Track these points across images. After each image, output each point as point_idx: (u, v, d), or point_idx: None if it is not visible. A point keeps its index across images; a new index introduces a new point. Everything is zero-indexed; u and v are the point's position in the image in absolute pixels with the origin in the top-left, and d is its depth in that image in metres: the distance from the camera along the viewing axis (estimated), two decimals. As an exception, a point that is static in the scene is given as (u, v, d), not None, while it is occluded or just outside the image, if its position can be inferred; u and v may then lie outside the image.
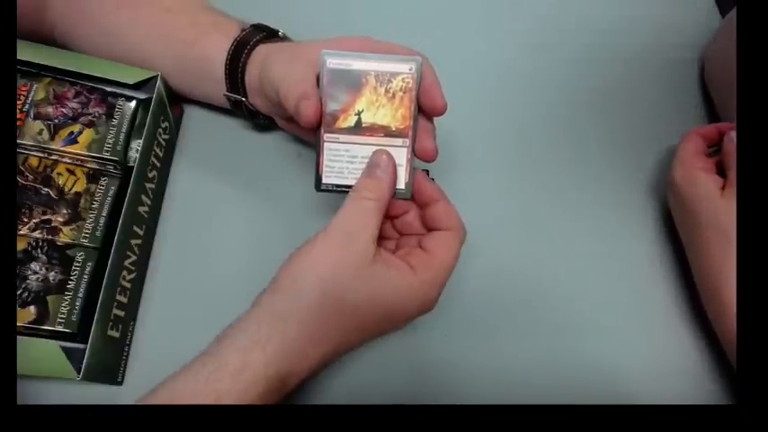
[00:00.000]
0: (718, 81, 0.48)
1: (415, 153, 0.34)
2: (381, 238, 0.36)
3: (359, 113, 0.33)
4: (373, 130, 0.33)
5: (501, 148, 0.47)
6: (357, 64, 0.32)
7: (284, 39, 0.40)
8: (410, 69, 0.32)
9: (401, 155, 0.33)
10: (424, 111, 0.34)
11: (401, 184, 0.34)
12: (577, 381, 0.40)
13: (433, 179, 0.35)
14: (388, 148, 0.33)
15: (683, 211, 0.40)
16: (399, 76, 0.32)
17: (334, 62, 0.32)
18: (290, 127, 0.41)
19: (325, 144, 0.33)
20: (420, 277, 0.31)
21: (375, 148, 0.33)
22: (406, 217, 0.35)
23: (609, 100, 0.50)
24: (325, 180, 0.34)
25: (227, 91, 0.40)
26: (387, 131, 0.33)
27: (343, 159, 0.34)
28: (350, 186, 0.33)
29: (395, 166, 0.33)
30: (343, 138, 0.33)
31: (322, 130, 0.33)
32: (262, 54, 0.37)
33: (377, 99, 0.33)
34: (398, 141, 0.33)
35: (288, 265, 0.31)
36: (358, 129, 0.33)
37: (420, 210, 0.35)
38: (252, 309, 0.31)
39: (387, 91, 0.32)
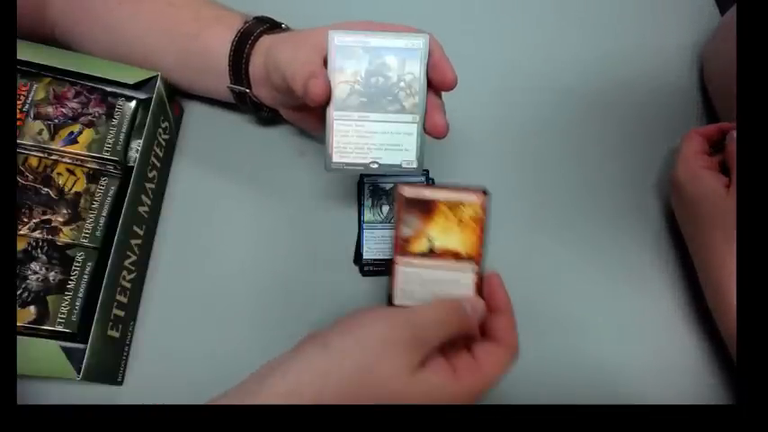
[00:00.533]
0: (716, 80, 0.48)
1: (425, 129, 0.33)
2: None
3: (430, 239, 0.33)
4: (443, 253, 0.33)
5: (501, 148, 0.47)
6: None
7: (287, 30, 0.41)
8: (477, 198, 0.32)
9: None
10: (434, 85, 0.34)
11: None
12: (578, 380, 0.40)
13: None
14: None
15: (687, 209, 0.40)
16: (469, 206, 0.32)
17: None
18: (295, 117, 0.41)
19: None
20: (461, 384, 0.29)
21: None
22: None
23: (609, 100, 0.50)
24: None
25: (231, 83, 0.40)
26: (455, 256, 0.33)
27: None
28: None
29: (481, 317, 0.32)
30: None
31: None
32: (266, 44, 0.37)
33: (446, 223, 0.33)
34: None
35: (348, 320, 0.30)
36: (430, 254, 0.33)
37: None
38: (295, 354, 0.30)
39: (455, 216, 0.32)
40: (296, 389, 0.28)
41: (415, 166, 0.33)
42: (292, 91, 0.34)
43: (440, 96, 0.35)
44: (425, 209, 0.32)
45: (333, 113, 0.33)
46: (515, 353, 0.32)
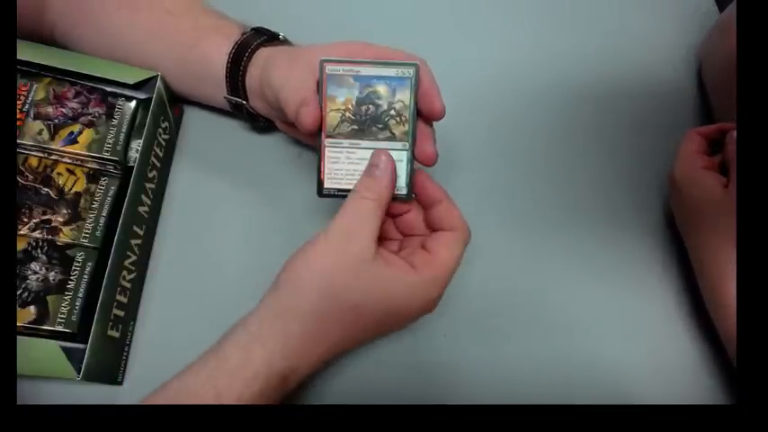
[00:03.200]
0: (713, 78, 0.48)
1: (415, 157, 0.34)
2: (384, 240, 0.36)
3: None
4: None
5: (500, 149, 0.47)
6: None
7: (285, 42, 0.40)
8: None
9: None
10: (423, 115, 0.34)
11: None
12: (577, 381, 0.40)
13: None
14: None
15: (685, 209, 0.40)
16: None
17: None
18: (291, 130, 0.41)
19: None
20: (421, 276, 0.31)
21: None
22: (408, 217, 0.35)
23: (607, 98, 0.50)
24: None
25: (228, 93, 0.40)
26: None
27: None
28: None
29: (394, 166, 0.33)
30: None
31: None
32: (263, 57, 0.37)
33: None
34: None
35: (289, 264, 0.31)
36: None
37: (424, 211, 0.35)
38: (256, 307, 0.32)
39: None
40: (259, 336, 0.30)
41: (404, 193, 0.34)
42: (285, 111, 0.34)
43: (431, 125, 0.35)
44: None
45: (324, 140, 0.34)
46: (466, 234, 0.34)
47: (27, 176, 0.37)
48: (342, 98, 0.33)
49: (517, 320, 0.41)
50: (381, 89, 0.33)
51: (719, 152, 0.40)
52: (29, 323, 0.33)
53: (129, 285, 0.37)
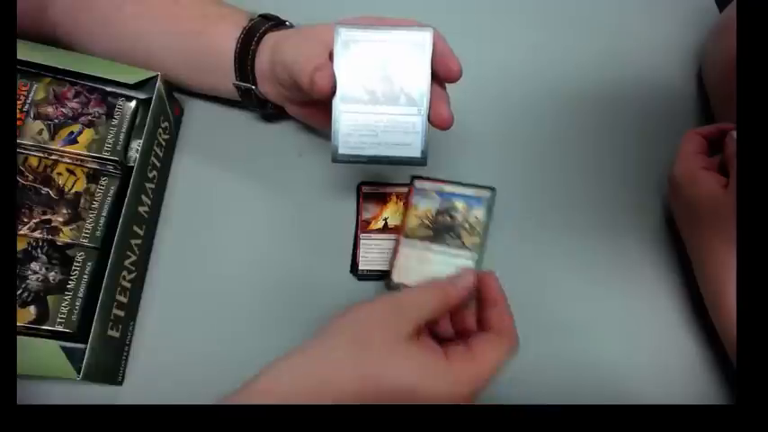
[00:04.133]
0: (713, 78, 0.48)
1: (430, 120, 0.34)
2: (436, 337, 0.34)
3: None
4: None
5: (501, 149, 0.47)
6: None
7: (292, 27, 0.41)
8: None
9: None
10: (440, 77, 0.34)
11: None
12: (577, 381, 0.40)
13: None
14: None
15: (685, 209, 0.40)
16: None
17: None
18: (302, 113, 0.41)
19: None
20: (452, 365, 0.29)
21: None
22: (464, 315, 0.33)
23: (607, 98, 0.50)
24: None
25: (237, 79, 0.40)
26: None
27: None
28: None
29: (473, 289, 0.32)
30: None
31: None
32: (272, 41, 0.38)
33: None
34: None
35: (336, 316, 0.31)
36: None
37: (480, 312, 0.33)
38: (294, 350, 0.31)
39: None
40: (289, 381, 0.29)
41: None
42: (298, 86, 0.34)
43: (444, 88, 0.35)
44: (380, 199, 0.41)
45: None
46: (512, 342, 0.32)
47: (27, 176, 0.37)
48: (423, 207, 0.37)
49: (517, 320, 0.41)
50: (459, 205, 0.36)
51: (719, 152, 0.40)
52: (29, 323, 0.33)
53: (128, 285, 0.37)
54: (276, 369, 0.29)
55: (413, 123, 0.34)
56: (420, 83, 0.33)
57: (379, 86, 0.33)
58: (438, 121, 0.34)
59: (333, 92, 0.33)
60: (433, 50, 0.33)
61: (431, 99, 0.34)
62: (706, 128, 0.41)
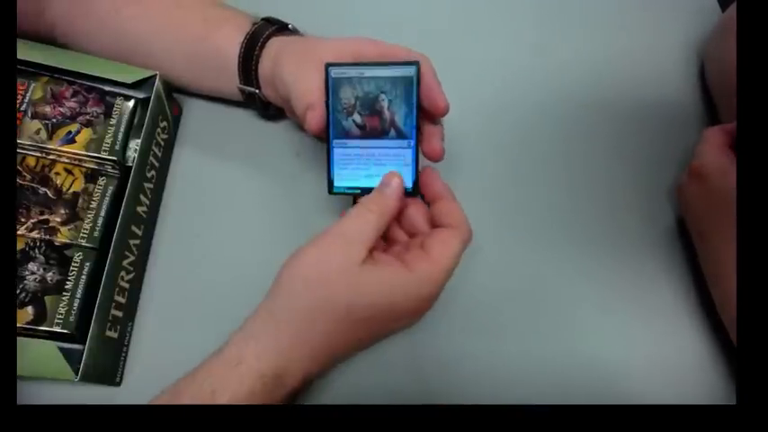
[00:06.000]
0: (717, 78, 0.48)
1: (422, 153, 0.35)
2: (390, 242, 0.36)
3: None
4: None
5: (504, 149, 0.47)
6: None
7: (294, 32, 0.41)
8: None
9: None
10: (427, 112, 0.34)
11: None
12: (578, 380, 0.40)
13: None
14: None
15: (707, 202, 0.38)
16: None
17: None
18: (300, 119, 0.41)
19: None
20: (413, 273, 0.31)
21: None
22: (412, 217, 0.35)
23: (610, 100, 0.50)
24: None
25: (241, 83, 0.40)
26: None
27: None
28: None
29: (403, 189, 0.34)
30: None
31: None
32: (274, 48, 0.38)
33: None
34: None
35: (284, 266, 0.32)
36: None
37: (429, 208, 0.35)
38: (256, 309, 0.32)
39: None
40: (252, 333, 0.31)
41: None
42: (294, 110, 0.36)
43: (438, 122, 0.36)
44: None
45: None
46: (465, 233, 0.33)
47: (25, 176, 0.37)
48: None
49: (518, 320, 0.41)
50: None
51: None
52: (26, 324, 0.33)
53: (127, 286, 0.37)
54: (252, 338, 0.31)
55: (403, 156, 0.35)
56: (408, 117, 0.34)
57: (370, 121, 0.34)
58: (430, 154, 0.35)
59: (324, 130, 0.34)
60: (421, 82, 0.34)
61: (423, 133, 0.35)
62: (727, 125, 0.40)
